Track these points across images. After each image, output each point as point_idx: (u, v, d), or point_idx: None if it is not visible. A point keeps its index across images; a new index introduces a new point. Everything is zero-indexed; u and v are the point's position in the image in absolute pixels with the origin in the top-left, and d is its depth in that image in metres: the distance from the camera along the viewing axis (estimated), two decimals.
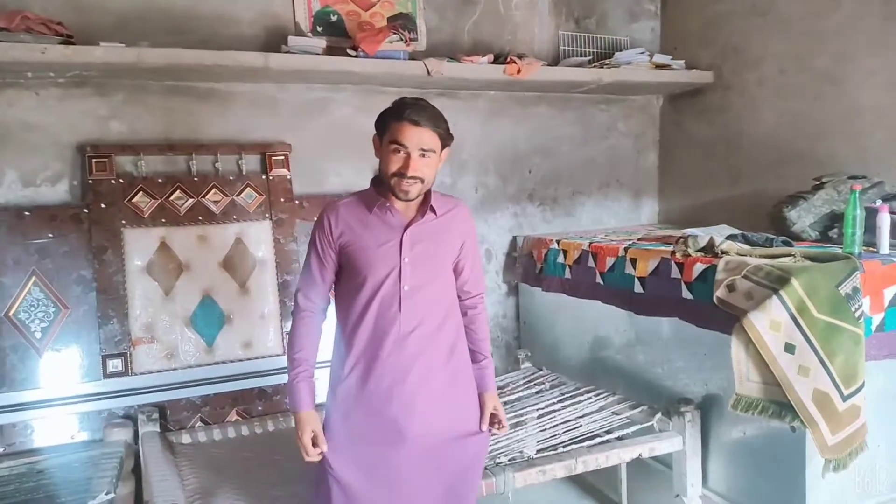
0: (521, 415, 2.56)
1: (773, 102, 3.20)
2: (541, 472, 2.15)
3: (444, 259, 1.85)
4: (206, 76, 2.75)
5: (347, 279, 1.81)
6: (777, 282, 1.98)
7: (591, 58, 3.47)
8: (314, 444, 1.76)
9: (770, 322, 1.95)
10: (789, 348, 1.94)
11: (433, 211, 1.80)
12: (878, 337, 2.05)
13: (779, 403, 1.96)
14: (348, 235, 1.77)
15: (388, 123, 1.72)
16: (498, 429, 1.94)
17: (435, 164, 1.76)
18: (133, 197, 2.72)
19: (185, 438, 2.54)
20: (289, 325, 2.81)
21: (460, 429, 1.86)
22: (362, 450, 1.77)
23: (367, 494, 1.76)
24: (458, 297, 1.93)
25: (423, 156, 1.71)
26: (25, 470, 2.32)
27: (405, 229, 1.76)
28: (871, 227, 2.24)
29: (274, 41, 2.84)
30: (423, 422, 1.77)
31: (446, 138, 1.77)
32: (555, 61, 3.47)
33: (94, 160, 2.67)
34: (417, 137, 1.68)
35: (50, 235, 2.59)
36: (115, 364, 2.64)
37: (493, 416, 1.92)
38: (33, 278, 2.55)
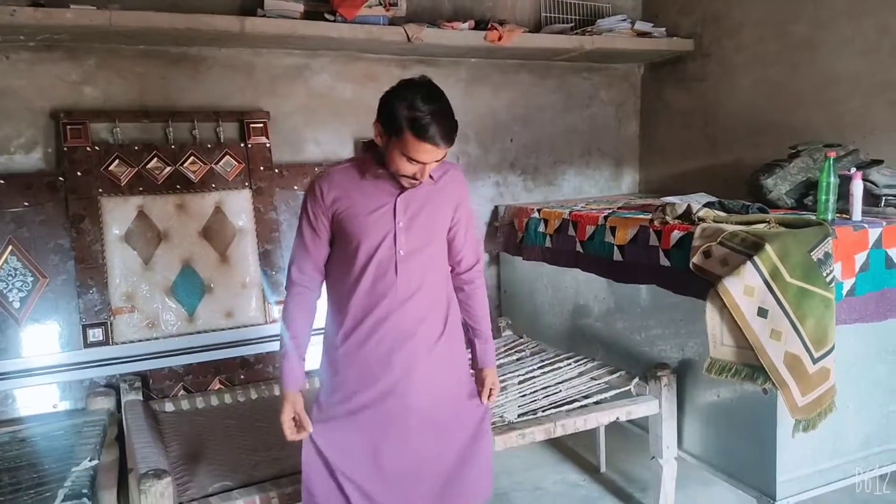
0: (502, 381, 2.59)
1: (751, 70, 3.22)
2: (520, 435, 2.20)
3: (439, 223, 1.80)
4: (179, 40, 2.70)
5: (341, 246, 1.76)
6: (751, 248, 2.01)
7: (573, 25, 3.45)
8: (297, 426, 1.74)
9: (744, 287, 1.99)
10: (762, 312, 1.99)
11: (430, 176, 1.73)
12: (849, 301, 2.10)
13: (751, 366, 2.01)
14: (342, 202, 1.71)
15: (404, 134, 1.55)
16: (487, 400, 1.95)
17: None
18: (109, 165, 2.68)
19: (168, 407, 2.55)
20: (273, 296, 2.86)
21: (459, 393, 1.86)
22: (361, 420, 1.74)
23: (365, 469, 1.74)
24: (453, 269, 1.89)
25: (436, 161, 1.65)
26: (8, 439, 2.32)
27: (399, 194, 1.72)
28: (845, 195, 2.27)
29: (251, 6, 2.79)
30: (423, 388, 1.74)
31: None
32: (537, 28, 3.45)
33: (68, 127, 2.63)
34: (434, 155, 1.60)
35: (26, 204, 2.55)
36: (96, 333, 2.63)
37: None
38: (10, 247, 2.52)
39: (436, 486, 1.80)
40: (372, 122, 1.65)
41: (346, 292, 1.75)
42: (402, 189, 1.71)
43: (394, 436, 1.75)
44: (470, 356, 1.98)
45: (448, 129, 1.58)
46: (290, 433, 1.74)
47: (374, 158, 1.71)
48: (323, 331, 1.86)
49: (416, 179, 1.64)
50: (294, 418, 1.74)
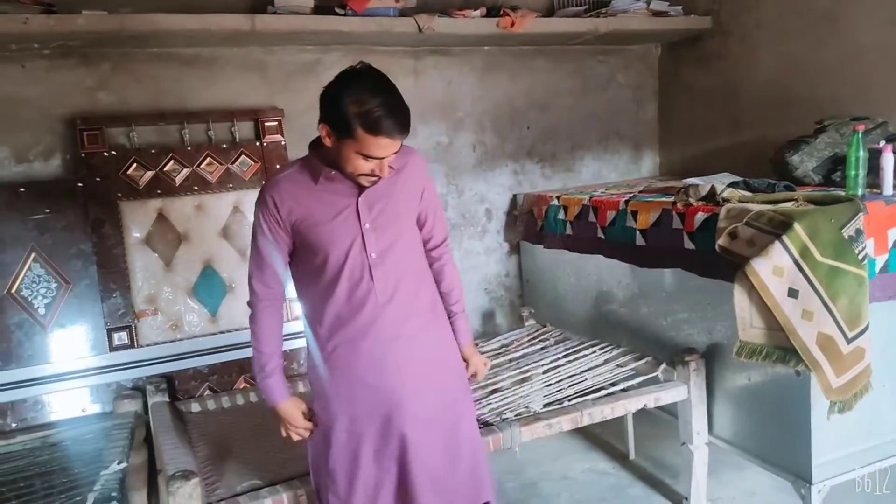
0: (527, 371, 2.57)
1: (773, 46, 3.14)
2: (547, 425, 2.17)
3: (407, 214, 1.72)
4: (191, 41, 2.69)
5: (306, 259, 1.67)
6: (779, 227, 1.96)
7: (586, 7, 3.38)
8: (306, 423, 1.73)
9: (773, 268, 1.94)
10: (792, 293, 1.93)
11: (390, 166, 1.61)
12: (883, 278, 2.04)
13: (783, 348, 1.96)
14: (298, 212, 1.60)
15: (356, 132, 1.45)
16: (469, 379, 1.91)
17: None
18: (127, 169, 2.69)
19: (195, 407, 2.56)
20: (290, 292, 2.85)
21: (453, 389, 1.79)
22: (361, 434, 1.68)
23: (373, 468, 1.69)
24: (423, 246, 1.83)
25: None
26: (39, 444, 2.35)
27: (359, 193, 1.60)
28: (874, 169, 2.20)
29: (261, 3, 2.77)
30: (418, 389, 1.68)
31: None
32: (549, 12, 3.39)
33: (85, 133, 2.64)
34: (392, 148, 1.51)
35: (47, 211, 2.57)
36: (121, 337, 2.65)
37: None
38: (33, 254, 2.54)
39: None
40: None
41: (320, 304, 1.66)
42: (362, 188, 1.60)
43: (398, 445, 1.67)
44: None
45: (403, 120, 1.49)
46: (305, 426, 1.72)
47: (322, 158, 1.59)
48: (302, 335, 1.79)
49: (376, 176, 1.54)
50: (303, 413, 1.73)
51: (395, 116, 1.47)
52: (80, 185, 2.62)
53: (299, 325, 2.81)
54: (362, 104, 1.44)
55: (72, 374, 2.58)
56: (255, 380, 1.75)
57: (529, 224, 3.32)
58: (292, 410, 1.73)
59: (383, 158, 1.52)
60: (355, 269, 1.63)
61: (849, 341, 1.92)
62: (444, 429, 1.74)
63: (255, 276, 1.71)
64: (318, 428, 1.74)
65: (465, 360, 1.90)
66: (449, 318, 1.87)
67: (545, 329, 3.06)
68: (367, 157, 1.50)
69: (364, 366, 1.66)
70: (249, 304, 1.73)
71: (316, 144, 1.62)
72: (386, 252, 1.65)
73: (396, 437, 1.66)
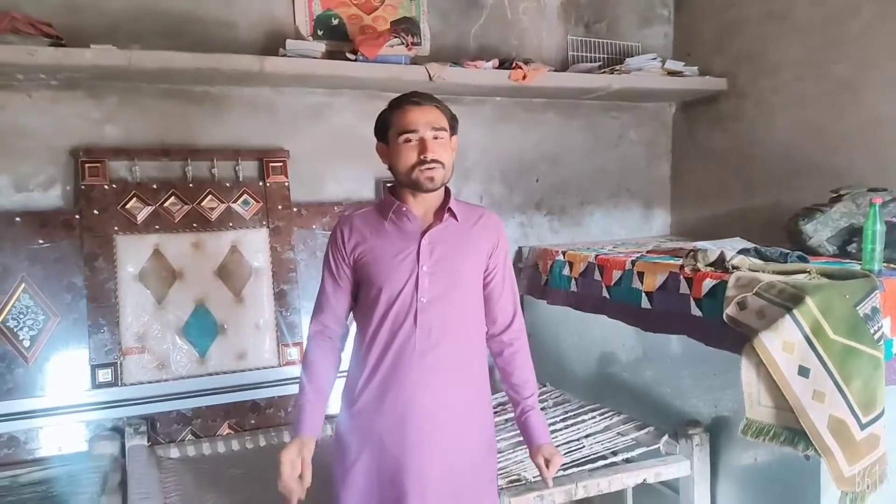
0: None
1: (790, 111, 3.08)
2: (538, 497, 2.04)
3: (468, 270, 1.68)
4: (200, 80, 2.68)
5: (364, 294, 1.68)
6: (791, 300, 1.86)
7: (600, 63, 3.37)
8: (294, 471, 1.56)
9: (783, 343, 1.84)
10: (803, 371, 1.82)
11: (453, 216, 1.66)
12: None
13: (792, 430, 1.84)
14: (362, 246, 1.65)
15: (390, 119, 1.64)
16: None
17: (449, 148, 1.64)
18: (127, 203, 2.65)
19: (174, 453, 2.46)
20: (285, 335, 2.78)
21: (476, 461, 1.72)
22: (375, 486, 1.63)
23: None
24: (488, 329, 1.77)
25: (436, 137, 1.60)
26: (8, 483, 2.26)
27: (422, 235, 1.63)
28: (891, 243, 2.12)
29: (273, 46, 2.77)
30: (437, 458, 1.61)
31: (452, 120, 1.67)
32: (563, 67, 3.38)
33: (87, 165, 2.61)
34: (425, 117, 1.60)
35: (41, 242, 2.53)
36: (105, 374, 2.57)
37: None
38: (23, 285, 2.49)
39: None
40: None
41: (366, 344, 1.65)
42: (428, 228, 1.64)
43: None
44: (521, 436, 1.83)
45: (429, 95, 1.64)
46: (288, 474, 1.53)
47: (395, 193, 1.69)
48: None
49: (426, 161, 1.57)
50: (298, 461, 1.56)
51: (416, 93, 1.64)
52: (77, 217, 2.59)
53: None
54: (390, 103, 1.67)
55: (51, 411, 2.49)
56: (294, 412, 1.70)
57: (534, 278, 3.23)
58: (290, 450, 1.56)
59: (424, 136, 1.58)
60: (402, 311, 1.61)
61: (863, 427, 1.80)
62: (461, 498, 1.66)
63: (314, 315, 1.75)
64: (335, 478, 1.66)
65: (545, 459, 1.78)
66: (521, 415, 1.79)
67: (545, 389, 2.94)
68: (405, 133, 1.58)
69: (388, 416, 1.61)
70: (307, 339, 1.75)
71: (390, 190, 1.72)
72: (437, 300, 1.60)
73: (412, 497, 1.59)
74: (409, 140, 1.59)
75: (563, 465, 2.19)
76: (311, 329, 1.73)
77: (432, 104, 1.63)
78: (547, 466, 1.77)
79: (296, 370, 2.79)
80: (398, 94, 1.70)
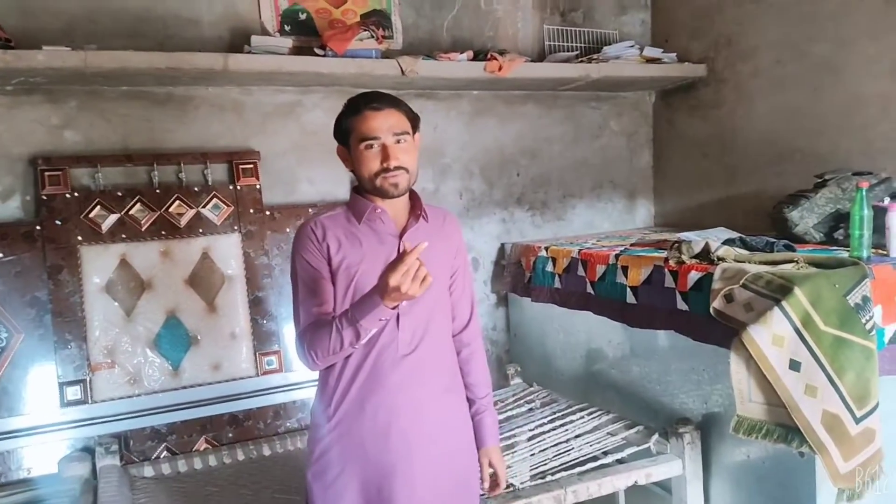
0: (512, 436, 2.38)
1: (770, 95, 3.03)
2: None
3: (441, 271, 1.64)
4: (163, 80, 2.57)
5: (340, 300, 1.58)
6: (779, 291, 1.80)
7: (577, 53, 3.29)
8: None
9: (772, 336, 1.77)
10: (794, 365, 1.77)
11: (424, 216, 1.63)
12: (892, 350, 1.87)
13: (785, 426, 1.78)
14: (340, 252, 1.57)
15: (349, 123, 1.56)
16: (490, 490, 1.77)
17: (413, 151, 1.58)
18: (90, 212, 2.54)
19: (147, 471, 2.37)
20: (263, 344, 2.69)
21: (463, 468, 1.68)
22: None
23: None
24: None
25: (399, 141, 1.53)
26: None
27: (400, 237, 1.58)
28: (879, 228, 2.06)
29: (239, 43, 2.67)
30: (425, 463, 1.57)
31: (414, 119, 1.60)
32: (540, 57, 3.30)
33: (46, 173, 2.50)
34: (386, 122, 1.52)
35: (0, 255, 2.41)
36: (75, 392, 2.46)
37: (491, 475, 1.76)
38: None
39: None
40: None
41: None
42: (403, 230, 1.58)
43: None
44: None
45: (387, 98, 1.56)
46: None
47: (366, 200, 1.60)
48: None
49: (389, 168, 1.51)
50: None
51: (373, 95, 1.56)
52: (38, 228, 2.47)
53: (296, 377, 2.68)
54: (347, 105, 1.59)
55: (18, 433, 2.38)
56: (350, 338, 1.45)
57: (517, 275, 3.16)
58: (387, 270, 1.36)
59: (385, 142, 1.52)
60: None
61: (857, 421, 1.75)
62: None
63: (301, 312, 1.58)
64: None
65: (490, 464, 1.75)
66: (476, 414, 1.75)
67: (532, 389, 2.88)
68: (366, 140, 1.52)
69: (369, 427, 1.55)
70: (302, 347, 1.55)
71: (356, 189, 1.65)
72: (418, 301, 1.51)
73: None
74: (370, 146, 1.53)
75: (552, 468, 2.14)
76: (304, 322, 1.57)
77: (392, 107, 1.55)
78: (491, 467, 1.77)
79: (275, 379, 2.71)
80: (360, 92, 1.62)
